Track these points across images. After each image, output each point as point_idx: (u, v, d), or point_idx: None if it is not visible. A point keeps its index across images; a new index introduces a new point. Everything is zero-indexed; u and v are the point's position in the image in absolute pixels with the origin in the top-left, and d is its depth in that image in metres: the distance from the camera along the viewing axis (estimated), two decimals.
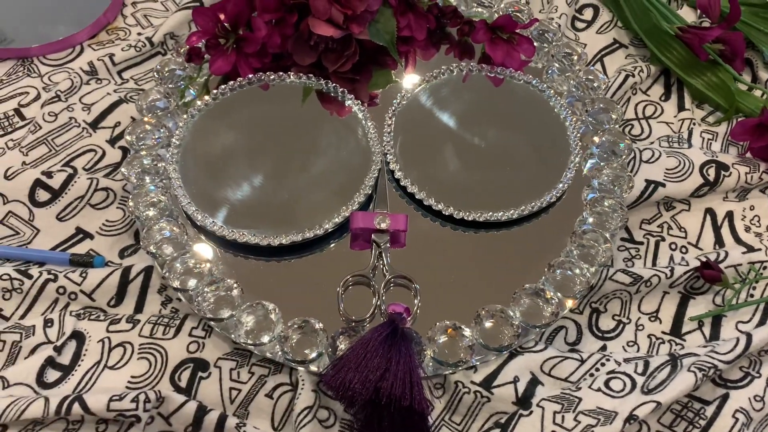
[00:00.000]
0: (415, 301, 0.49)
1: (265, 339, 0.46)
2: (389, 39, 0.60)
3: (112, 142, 0.59)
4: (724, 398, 0.47)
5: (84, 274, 0.51)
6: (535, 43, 0.63)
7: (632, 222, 0.57)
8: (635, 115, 0.63)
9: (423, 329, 0.48)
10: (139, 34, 0.66)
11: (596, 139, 0.58)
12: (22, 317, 0.50)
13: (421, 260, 0.52)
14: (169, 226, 0.51)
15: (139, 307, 0.51)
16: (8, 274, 0.50)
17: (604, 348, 0.51)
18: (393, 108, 0.58)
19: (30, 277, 0.51)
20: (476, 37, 0.61)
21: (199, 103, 0.57)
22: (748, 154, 0.60)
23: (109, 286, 0.51)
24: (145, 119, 0.57)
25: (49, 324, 0.49)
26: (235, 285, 0.49)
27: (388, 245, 0.52)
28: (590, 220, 0.53)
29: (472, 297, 0.50)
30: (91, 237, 0.54)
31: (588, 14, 0.70)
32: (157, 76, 0.59)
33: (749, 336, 0.48)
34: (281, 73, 0.59)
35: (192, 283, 0.49)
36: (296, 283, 0.51)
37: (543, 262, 0.51)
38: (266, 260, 0.52)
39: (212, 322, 0.48)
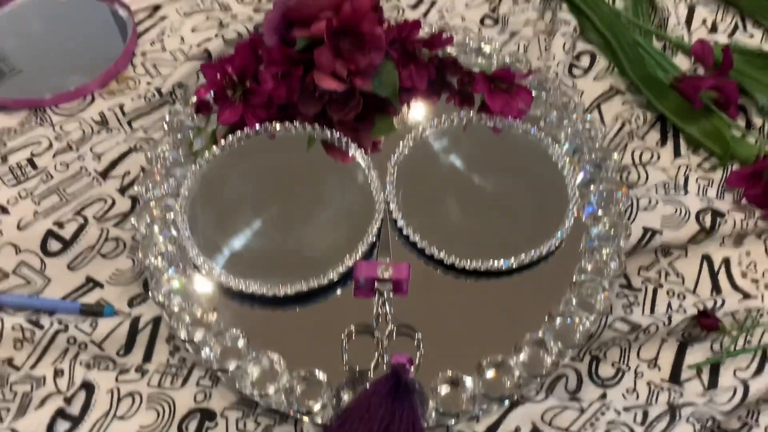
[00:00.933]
0: (418, 352, 0.50)
1: (271, 390, 0.47)
2: (391, 91, 0.62)
3: (122, 191, 0.60)
4: None
5: (94, 324, 0.52)
6: (533, 92, 0.64)
7: (630, 268, 0.58)
8: (632, 161, 0.65)
9: (426, 379, 0.49)
10: (149, 83, 0.68)
11: (594, 187, 0.59)
12: (33, 367, 0.51)
13: (423, 308, 0.53)
14: (176, 276, 0.53)
15: (147, 357, 0.52)
16: (20, 325, 0.52)
17: (604, 396, 0.52)
18: (395, 157, 0.60)
19: (41, 327, 0.52)
20: (475, 87, 0.63)
21: (206, 153, 0.59)
22: (744, 201, 0.61)
23: (118, 336, 0.52)
24: (155, 170, 0.58)
25: (60, 374, 0.50)
26: (241, 335, 0.50)
27: (391, 294, 0.53)
28: (589, 268, 0.54)
29: (473, 346, 0.51)
30: (101, 286, 0.56)
31: (585, 61, 0.72)
32: (166, 127, 0.61)
33: (746, 386, 0.49)
34: (287, 123, 0.61)
35: (199, 334, 0.50)
36: (301, 332, 0.52)
37: (543, 310, 0.53)
38: (272, 309, 0.53)
39: (219, 373, 0.49)
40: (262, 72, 0.60)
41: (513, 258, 0.54)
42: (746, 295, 0.56)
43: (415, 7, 0.76)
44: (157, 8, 0.74)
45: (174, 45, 0.71)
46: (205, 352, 0.49)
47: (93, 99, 0.67)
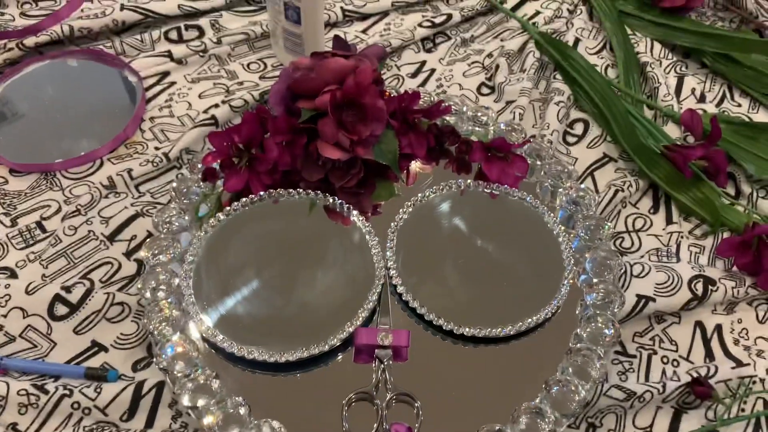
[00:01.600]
0: (417, 421, 0.51)
1: None
2: (392, 158, 0.64)
3: (128, 254, 0.62)
4: None
5: (99, 389, 0.53)
6: (528, 160, 0.66)
7: (625, 335, 0.59)
8: (625, 227, 0.67)
9: None
10: (156, 148, 0.70)
11: (588, 255, 0.61)
12: None
13: (423, 375, 0.54)
14: (180, 342, 0.54)
15: (150, 422, 0.53)
16: (25, 389, 0.52)
17: None
18: (395, 223, 0.62)
19: (46, 392, 0.53)
20: (473, 157, 0.65)
21: (212, 219, 0.61)
22: (735, 269, 0.63)
23: (122, 401, 0.53)
24: (161, 235, 0.60)
25: None
26: (242, 402, 0.51)
27: (390, 361, 0.54)
28: (584, 336, 0.55)
29: (472, 413, 0.52)
30: (106, 350, 0.56)
31: (579, 129, 0.74)
32: (173, 192, 0.63)
33: None
34: (291, 190, 0.63)
35: (201, 400, 0.51)
36: (302, 398, 0.53)
37: (540, 377, 0.54)
38: (273, 375, 0.54)
39: None
40: (267, 140, 0.62)
41: (511, 325, 0.56)
42: (739, 363, 0.57)
43: (414, 75, 0.79)
44: (165, 74, 0.77)
45: (181, 111, 0.74)
46: (208, 419, 0.50)
47: (102, 163, 0.69)
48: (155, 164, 0.68)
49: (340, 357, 0.55)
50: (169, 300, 0.56)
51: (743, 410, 0.55)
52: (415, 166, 0.68)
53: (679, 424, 0.54)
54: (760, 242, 0.61)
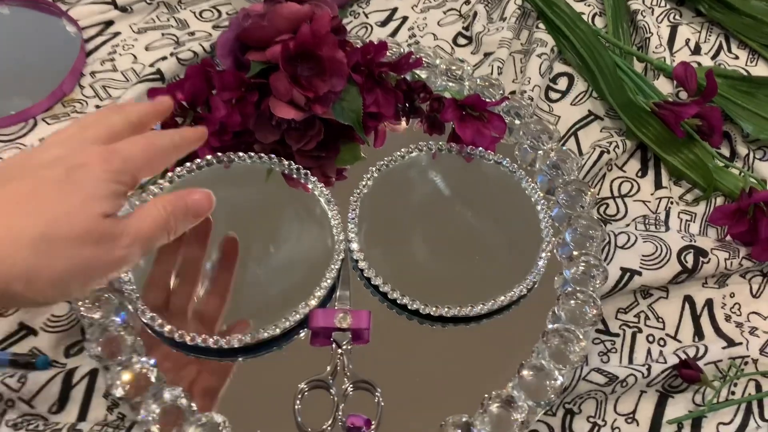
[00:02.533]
0: (377, 411, 0.46)
1: None
2: (355, 118, 0.58)
3: None
4: None
5: (23, 379, 0.48)
6: (506, 119, 0.60)
7: (608, 311, 0.54)
8: (611, 193, 0.61)
9: None
10: (97, 106, 0.64)
11: (569, 224, 0.55)
12: None
13: (385, 359, 0.49)
14: (114, 326, 0.48)
15: (83, 414, 0.48)
16: None
17: None
18: (358, 191, 0.56)
19: None
20: (445, 116, 0.59)
21: (152, 187, 0.55)
22: (728, 238, 0.58)
23: (50, 392, 0.48)
24: None
25: None
26: (182, 394, 0.45)
27: (350, 345, 0.49)
28: (562, 316, 0.50)
29: (438, 402, 0.48)
30: (35, 333, 0.51)
31: (563, 84, 0.68)
32: None
33: None
34: (241, 154, 0.57)
35: (136, 393, 0.45)
36: (250, 388, 0.48)
37: (513, 360, 0.49)
38: (217, 361, 0.49)
39: None
40: (213, 98, 0.56)
41: (482, 304, 0.51)
42: (730, 342, 0.53)
43: (384, 24, 0.72)
44: (108, 24, 0.69)
45: (126, 65, 0.67)
46: (143, 413, 0.45)
47: (36, 123, 0.62)
48: None
49: (293, 340, 0.50)
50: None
51: (734, 393, 0.51)
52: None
53: (664, 410, 0.50)
54: (756, 210, 0.56)
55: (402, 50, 0.64)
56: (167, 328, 0.48)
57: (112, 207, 0.40)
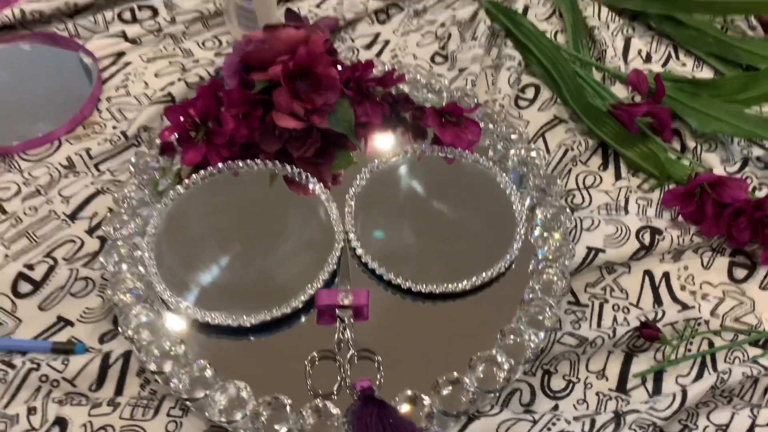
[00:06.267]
0: (378, 374, 0.53)
1: (238, 416, 0.50)
2: (347, 126, 0.65)
3: (90, 232, 0.63)
4: None
5: (66, 362, 0.54)
6: (480, 124, 0.68)
7: (577, 286, 0.61)
8: (576, 185, 0.69)
9: (386, 399, 0.51)
10: (114, 127, 0.71)
11: (540, 211, 0.63)
12: (6, 406, 0.53)
13: (383, 332, 0.56)
14: (145, 312, 0.55)
15: (119, 390, 0.54)
16: None
17: (556, 407, 0.55)
18: (353, 189, 0.63)
19: (13, 367, 0.53)
20: (426, 122, 0.67)
21: (171, 192, 0.62)
22: (680, 218, 0.65)
23: (90, 372, 0.54)
24: (121, 210, 0.61)
25: (33, 412, 0.52)
26: (207, 365, 0.52)
27: (351, 320, 0.56)
28: (537, 288, 0.58)
29: (430, 365, 0.54)
30: (72, 324, 0.57)
31: (530, 93, 0.76)
32: (132, 168, 0.64)
33: (685, 392, 0.52)
34: (249, 161, 0.64)
35: (168, 365, 0.52)
36: (266, 360, 0.55)
37: (495, 329, 0.56)
38: (238, 339, 0.55)
39: (188, 402, 0.51)
40: (223, 113, 0.63)
41: (466, 280, 0.58)
42: (685, 306, 0.60)
43: (369, 47, 0.80)
44: (120, 55, 0.77)
45: (138, 90, 0.74)
46: (174, 382, 0.51)
47: (60, 144, 0.69)
48: (113, 143, 0.68)
49: (302, 320, 0.57)
50: (132, 272, 0.57)
51: (689, 350, 0.58)
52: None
53: (630, 367, 0.57)
54: (702, 191, 0.64)
55: (387, 68, 0.72)
56: (191, 310, 0.55)
57: None
